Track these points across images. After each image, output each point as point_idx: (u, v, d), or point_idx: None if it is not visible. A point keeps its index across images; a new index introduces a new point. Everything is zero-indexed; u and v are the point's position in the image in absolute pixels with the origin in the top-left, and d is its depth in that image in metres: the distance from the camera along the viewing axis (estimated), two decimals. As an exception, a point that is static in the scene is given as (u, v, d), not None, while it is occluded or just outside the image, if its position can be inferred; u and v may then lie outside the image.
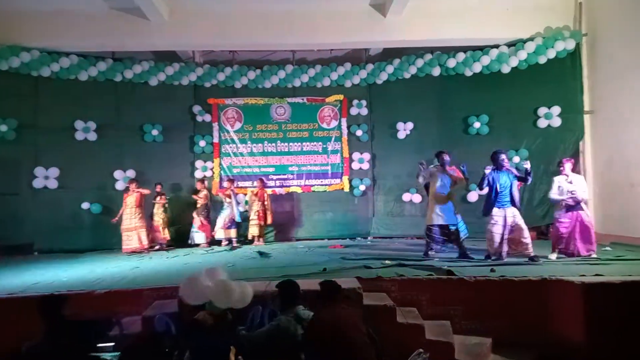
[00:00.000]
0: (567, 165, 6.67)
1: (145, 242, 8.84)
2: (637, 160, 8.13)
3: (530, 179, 6.62)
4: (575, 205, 6.55)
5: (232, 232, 9.55)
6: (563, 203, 6.57)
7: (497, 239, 6.41)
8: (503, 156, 6.58)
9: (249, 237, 9.71)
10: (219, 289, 3.86)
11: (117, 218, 8.89)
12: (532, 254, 6.31)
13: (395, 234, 10.06)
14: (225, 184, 9.89)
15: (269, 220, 9.76)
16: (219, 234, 9.56)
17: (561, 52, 9.37)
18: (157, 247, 9.19)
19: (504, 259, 6.39)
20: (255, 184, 9.98)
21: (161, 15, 9.14)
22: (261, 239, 9.68)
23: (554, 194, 6.66)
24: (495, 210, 6.46)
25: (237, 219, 9.58)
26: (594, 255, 6.54)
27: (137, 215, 8.80)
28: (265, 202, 9.67)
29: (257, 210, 9.58)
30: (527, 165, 6.61)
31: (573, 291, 4.80)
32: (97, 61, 9.83)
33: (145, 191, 8.99)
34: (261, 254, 7.93)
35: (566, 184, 6.59)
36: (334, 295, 3.88)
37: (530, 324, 4.97)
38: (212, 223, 9.68)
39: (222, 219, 9.56)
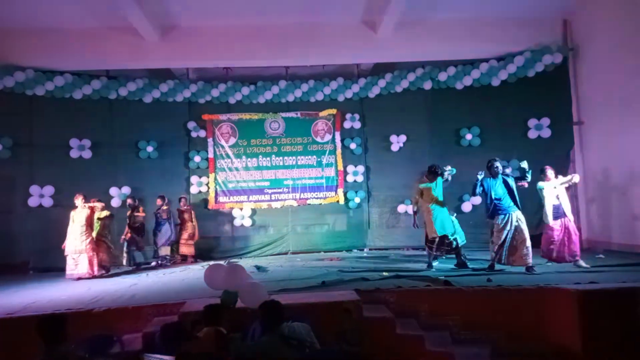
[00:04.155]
0: (549, 172, 6.82)
1: (95, 268, 7.73)
2: (626, 169, 8.30)
3: (529, 177, 6.60)
4: (560, 213, 6.74)
5: (168, 250, 9.41)
6: (548, 211, 6.75)
7: (501, 242, 6.41)
8: (497, 164, 6.60)
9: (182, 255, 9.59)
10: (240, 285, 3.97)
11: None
12: (530, 264, 6.31)
13: (391, 245, 10.13)
14: (182, 202, 9.72)
15: (196, 237, 9.69)
16: (162, 251, 9.33)
17: (549, 65, 9.59)
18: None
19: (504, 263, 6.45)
20: (181, 203, 9.71)
21: (155, 33, 9.26)
22: (192, 258, 9.56)
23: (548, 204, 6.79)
24: (500, 218, 6.47)
25: (173, 237, 9.48)
26: (580, 261, 6.63)
27: (86, 235, 7.70)
28: (194, 221, 9.62)
29: (192, 229, 9.57)
30: (524, 164, 6.67)
31: (569, 299, 4.88)
32: (91, 79, 9.88)
33: (99, 205, 8.18)
34: (258, 268, 7.95)
35: (552, 191, 6.79)
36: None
37: (528, 333, 5.02)
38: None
39: (164, 237, 9.35)
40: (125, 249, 8.85)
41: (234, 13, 9.20)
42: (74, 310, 5.21)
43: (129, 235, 8.84)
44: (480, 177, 6.60)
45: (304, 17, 9.46)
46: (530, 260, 6.30)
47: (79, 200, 7.82)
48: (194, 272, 8.04)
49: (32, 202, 9.42)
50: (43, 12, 8.78)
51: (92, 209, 7.92)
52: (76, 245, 7.66)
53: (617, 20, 8.39)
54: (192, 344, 3.68)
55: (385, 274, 6.56)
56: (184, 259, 9.55)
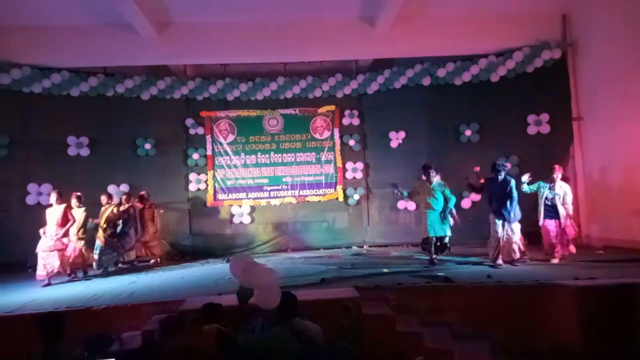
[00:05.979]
0: (557, 174, 6.89)
1: (67, 267, 7.36)
2: (625, 164, 8.29)
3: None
4: (554, 213, 6.90)
5: (134, 253, 8.86)
6: (541, 210, 6.99)
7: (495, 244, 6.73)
8: (502, 174, 6.77)
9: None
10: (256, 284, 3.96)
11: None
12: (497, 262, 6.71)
13: (391, 242, 10.11)
14: (142, 200, 9.10)
15: (157, 236, 9.28)
16: (132, 254, 8.79)
17: (548, 61, 9.57)
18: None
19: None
20: (142, 201, 9.10)
21: (152, 30, 9.20)
22: (160, 259, 9.24)
23: (524, 187, 7.07)
24: (497, 220, 6.76)
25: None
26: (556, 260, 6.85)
27: (60, 233, 7.22)
28: (156, 220, 9.19)
29: (155, 229, 9.16)
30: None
31: (567, 295, 4.88)
32: (88, 76, 9.81)
33: (75, 201, 7.69)
34: (258, 265, 7.91)
35: (547, 191, 6.91)
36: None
37: (527, 329, 5.02)
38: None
39: (132, 239, 8.69)
40: (97, 250, 8.12)
41: (231, 9, 9.14)
42: (73, 308, 5.20)
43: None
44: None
45: (302, 13, 9.42)
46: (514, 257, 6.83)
47: (53, 198, 7.40)
48: (193, 270, 8.04)
49: (30, 200, 9.37)
50: (39, 9, 8.72)
51: (68, 207, 7.40)
52: (48, 243, 7.16)
53: (616, 16, 8.38)
54: (193, 337, 3.66)
55: (385, 270, 6.55)
56: (155, 261, 9.13)
